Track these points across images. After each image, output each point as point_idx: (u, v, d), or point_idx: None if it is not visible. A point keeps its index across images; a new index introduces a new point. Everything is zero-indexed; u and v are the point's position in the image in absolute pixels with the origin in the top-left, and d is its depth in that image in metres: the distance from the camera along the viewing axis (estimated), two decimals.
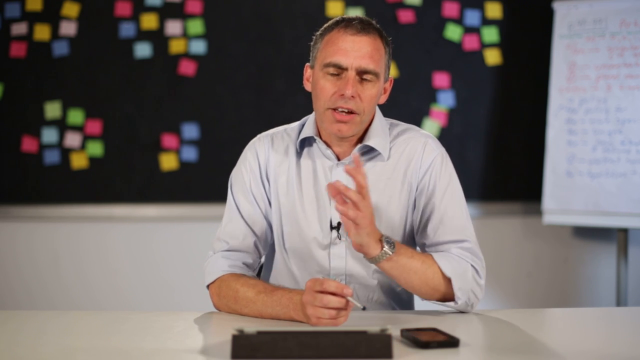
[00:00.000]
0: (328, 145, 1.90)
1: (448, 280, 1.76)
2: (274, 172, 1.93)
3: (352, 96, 1.79)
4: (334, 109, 1.81)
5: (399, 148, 1.91)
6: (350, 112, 1.80)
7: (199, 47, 3.54)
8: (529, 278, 3.71)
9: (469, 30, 3.61)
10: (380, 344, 1.41)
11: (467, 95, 3.62)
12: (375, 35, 1.84)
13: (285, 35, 3.56)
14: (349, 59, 1.80)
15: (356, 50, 1.80)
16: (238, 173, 1.95)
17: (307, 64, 1.91)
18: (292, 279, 1.92)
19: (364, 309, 1.61)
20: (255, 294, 1.75)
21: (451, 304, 1.78)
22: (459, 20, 3.61)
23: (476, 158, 3.62)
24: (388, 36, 1.91)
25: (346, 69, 1.80)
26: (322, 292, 1.60)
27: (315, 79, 1.85)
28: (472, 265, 1.80)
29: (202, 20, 3.54)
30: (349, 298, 1.60)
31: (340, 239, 1.88)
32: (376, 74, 1.82)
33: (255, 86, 3.56)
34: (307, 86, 1.91)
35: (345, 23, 1.84)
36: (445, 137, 3.58)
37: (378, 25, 1.87)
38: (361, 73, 1.80)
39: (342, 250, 1.88)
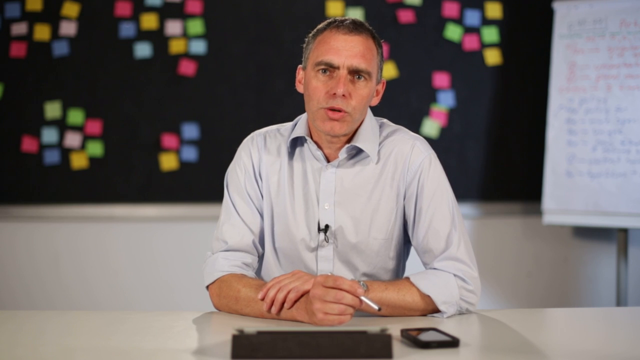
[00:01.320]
0: (319, 146, 1.90)
1: (430, 297, 1.75)
2: (266, 171, 1.93)
3: (344, 95, 1.79)
4: (326, 108, 1.81)
5: (387, 150, 1.91)
6: (341, 111, 1.81)
7: (199, 47, 3.54)
8: (529, 278, 3.71)
9: (469, 30, 3.61)
10: (380, 344, 1.41)
11: (467, 95, 3.62)
12: (368, 36, 1.84)
13: (285, 36, 3.56)
14: (341, 57, 1.80)
15: (348, 49, 1.80)
16: (233, 172, 1.96)
17: (300, 66, 1.92)
18: None
19: (379, 309, 1.62)
20: (257, 294, 1.75)
21: (439, 315, 1.78)
22: (459, 20, 3.61)
23: (476, 158, 3.62)
24: (383, 36, 1.90)
25: (338, 68, 1.81)
26: (334, 288, 1.60)
27: (308, 79, 1.86)
28: (455, 275, 1.79)
29: (202, 20, 3.54)
30: (363, 298, 1.61)
31: (327, 242, 1.88)
32: (368, 73, 1.82)
33: (255, 86, 3.56)
34: (300, 88, 1.92)
35: (337, 23, 1.84)
36: (445, 137, 3.58)
37: (371, 28, 1.87)
38: (353, 72, 1.81)
39: (329, 253, 1.88)
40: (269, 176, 1.93)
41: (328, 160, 1.90)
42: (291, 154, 1.93)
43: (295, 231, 1.89)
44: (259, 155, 1.94)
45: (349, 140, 1.89)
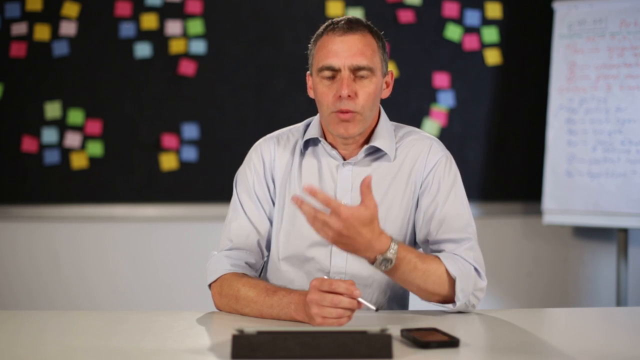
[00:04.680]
0: (333, 147, 1.90)
1: (451, 282, 1.75)
2: (279, 173, 1.93)
3: (349, 96, 1.80)
4: (337, 112, 1.82)
5: (405, 149, 1.92)
6: (350, 112, 1.81)
7: (199, 47, 3.54)
8: (529, 278, 3.72)
9: (469, 30, 3.61)
10: (380, 344, 1.41)
11: (467, 95, 3.62)
12: (365, 32, 1.85)
13: (285, 36, 3.56)
14: (340, 59, 1.81)
15: (346, 49, 1.81)
16: (242, 173, 1.96)
17: (308, 72, 1.93)
18: (287, 279, 1.92)
19: (377, 310, 1.61)
20: (257, 294, 1.75)
21: (450, 305, 1.78)
22: (459, 20, 3.61)
23: (476, 158, 3.62)
24: (384, 34, 1.91)
25: (339, 70, 1.82)
26: (330, 292, 1.60)
27: (315, 85, 1.87)
28: (475, 268, 1.80)
29: (202, 20, 3.54)
30: (361, 300, 1.60)
31: None
32: (370, 69, 1.83)
33: (255, 86, 3.56)
34: (311, 94, 1.93)
35: (332, 26, 1.85)
36: (445, 137, 3.57)
37: (369, 22, 1.88)
38: (355, 71, 1.82)
39: None
40: (283, 178, 1.93)
41: (344, 159, 1.91)
42: (304, 154, 1.93)
43: (307, 229, 1.89)
44: (271, 158, 1.94)
45: (366, 141, 1.90)
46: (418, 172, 1.90)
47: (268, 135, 1.99)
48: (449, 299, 1.77)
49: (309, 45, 1.91)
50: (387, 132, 1.91)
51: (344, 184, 1.89)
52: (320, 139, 1.90)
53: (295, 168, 1.92)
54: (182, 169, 3.55)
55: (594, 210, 3.35)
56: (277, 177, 1.93)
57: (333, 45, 1.82)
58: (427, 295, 1.77)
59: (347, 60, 1.81)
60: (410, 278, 1.72)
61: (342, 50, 1.81)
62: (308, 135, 1.92)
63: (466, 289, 1.76)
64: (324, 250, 1.89)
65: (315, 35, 1.89)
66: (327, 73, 1.82)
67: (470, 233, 1.84)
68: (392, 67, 3.55)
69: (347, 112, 1.81)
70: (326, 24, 1.88)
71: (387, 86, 1.92)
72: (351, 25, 1.84)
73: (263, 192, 1.93)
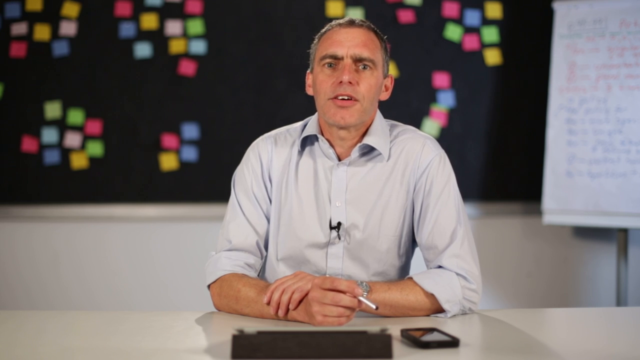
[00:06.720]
0: (330, 145, 1.90)
1: (434, 298, 1.76)
2: (276, 172, 1.93)
3: (350, 82, 1.81)
4: (334, 98, 1.82)
5: (398, 148, 1.92)
6: (351, 99, 1.82)
7: (199, 47, 3.54)
8: (529, 278, 3.71)
9: (469, 30, 3.61)
10: (380, 344, 1.41)
11: (467, 95, 3.62)
12: (369, 29, 1.89)
13: (285, 36, 3.56)
14: (344, 48, 1.84)
15: (350, 40, 1.84)
16: (240, 173, 1.96)
17: (308, 71, 1.94)
18: None
19: (376, 308, 1.62)
20: (257, 294, 1.75)
21: (442, 315, 1.78)
22: (459, 20, 3.61)
23: (476, 158, 3.62)
24: (384, 35, 1.93)
25: (342, 58, 1.84)
26: (331, 290, 1.60)
27: (315, 77, 1.88)
28: (457, 274, 1.80)
29: (202, 20, 3.54)
30: (362, 298, 1.60)
31: (339, 239, 1.88)
32: (372, 62, 1.85)
33: (255, 86, 3.56)
34: (309, 91, 1.94)
35: (338, 21, 1.89)
36: (445, 137, 3.58)
37: (373, 26, 1.91)
38: (357, 61, 1.84)
39: (339, 251, 1.89)
40: (280, 177, 1.93)
41: (339, 159, 1.91)
42: (301, 153, 1.94)
43: (304, 230, 1.89)
44: (269, 157, 1.94)
45: (360, 139, 1.90)
46: (412, 172, 1.90)
47: (265, 135, 1.99)
48: (441, 309, 1.78)
49: (312, 44, 1.93)
50: (381, 131, 1.91)
51: (338, 184, 1.90)
52: (319, 135, 1.90)
53: (292, 168, 1.93)
54: (182, 169, 3.55)
55: (594, 210, 3.35)
56: (274, 177, 1.93)
57: (338, 36, 1.85)
58: (420, 314, 1.78)
59: (350, 50, 1.83)
60: (389, 307, 1.73)
61: (346, 40, 1.84)
62: (306, 133, 1.92)
63: (452, 298, 1.76)
64: (320, 252, 1.89)
65: (319, 33, 1.92)
66: (330, 61, 1.84)
67: (457, 237, 1.84)
68: (392, 67, 3.55)
69: (348, 99, 1.82)
70: (330, 22, 1.91)
71: (386, 89, 1.93)
72: (356, 22, 1.88)
73: (261, 192, 1.93)
